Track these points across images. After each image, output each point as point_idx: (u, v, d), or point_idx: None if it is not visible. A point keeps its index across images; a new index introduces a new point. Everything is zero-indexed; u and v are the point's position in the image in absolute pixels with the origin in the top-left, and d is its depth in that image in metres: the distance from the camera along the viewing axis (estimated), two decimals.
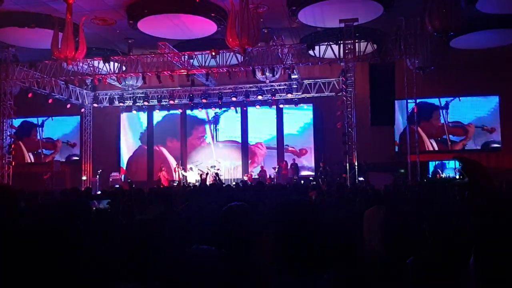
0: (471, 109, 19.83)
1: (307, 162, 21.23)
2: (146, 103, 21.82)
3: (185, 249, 3.20)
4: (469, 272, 1.47)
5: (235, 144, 22.35)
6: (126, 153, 23.09)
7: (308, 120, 21.50)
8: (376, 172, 15.43)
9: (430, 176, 15.24)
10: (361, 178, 15.58)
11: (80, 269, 1.37)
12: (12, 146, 18.81)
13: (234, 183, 18.11)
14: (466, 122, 19.79)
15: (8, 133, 18.69)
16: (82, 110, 22.26)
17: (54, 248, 1.31)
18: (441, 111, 19.99)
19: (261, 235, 2.62)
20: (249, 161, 21.96)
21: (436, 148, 19.79)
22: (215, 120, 22.73)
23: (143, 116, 23.03)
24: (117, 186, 15.53)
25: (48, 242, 1.31)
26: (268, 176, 20.14)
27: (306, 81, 20.52)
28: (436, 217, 3.17)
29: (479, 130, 19.73)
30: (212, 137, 22.67)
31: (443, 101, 19.84)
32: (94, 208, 4.38)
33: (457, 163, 1.73)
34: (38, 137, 23.50)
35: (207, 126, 22.75)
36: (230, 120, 22.48)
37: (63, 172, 21.30)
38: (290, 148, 21.58)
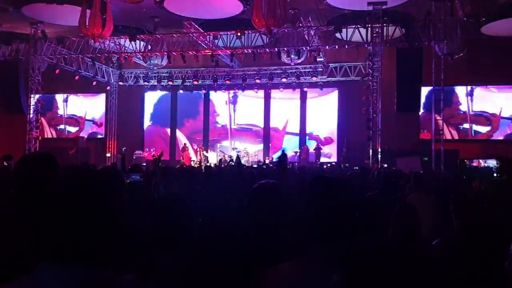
0: (500, 98, 19.47)
1: (331, 147, 21.14)
2: (170, 83, 21.95)
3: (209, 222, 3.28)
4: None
5: (255, 127, 22.41)
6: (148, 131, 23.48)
7: (332, 105, 21.35)
8: (403, 158, 15.23)
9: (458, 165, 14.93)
10: (385, 165, 15.47)
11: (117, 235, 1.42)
12: (39, 121, 19.19)
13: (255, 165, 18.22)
14: (491, 112, 19.48)
15: (35, 109, 19.05)
16: (108, 88, 22.53)
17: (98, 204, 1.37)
18: (466, 98, 19.71)
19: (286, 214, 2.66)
20: (270, 146, 22.02)
21: (456, 137, 19.56)
22: (234, 101, 22.81)
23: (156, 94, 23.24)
24: (144, 164, 15.78)
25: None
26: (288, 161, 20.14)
27: (332, 64, 20.32)
28: (464, 201, 3.16)
29: (507, 121, 19.39)
30: (230, 119, 22.81)
31: (468, 88, 19.56)
32: (128, 181, 4.51)
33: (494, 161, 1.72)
34: (61, 113, 23.98)
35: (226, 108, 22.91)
36: (251, 102, 22.50)
37: (87, 149, 21.68)
38: (314, 135, 21.53)
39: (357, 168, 14.51)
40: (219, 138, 22.65)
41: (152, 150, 20.93)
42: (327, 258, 1.63)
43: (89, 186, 1.40)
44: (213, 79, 21.36)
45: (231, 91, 22.36)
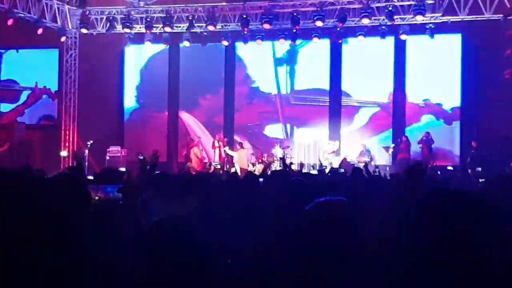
0: None
1: (448, 139, 20.95)
2: (168, 30, 22.06)
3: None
4: None
5: (318, 100, 22.45)
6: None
7: (451, 62, 21.11)
8: None
9: None
10: None
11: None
12: None
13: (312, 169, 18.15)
14: None
15: None
16: (63, 39, 22.80)
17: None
18: None
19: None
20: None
21: None
22: (289, 59, 22.85)
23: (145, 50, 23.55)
24: (123, 169, 16.01)
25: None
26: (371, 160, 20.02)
27: None
28: None
29: None
30: (278, 88, 22.93)
31: None
32: (96, 198, 4.59)
33: None
34: None
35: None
36: (310, 60, 22.50)
37: (30, 142, 22.05)
38: (427, 104, 21.34)
39: (483, 180, 14.29)
40: (260, 122, 22.71)
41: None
42: None
43: (31, 204, 1.40)
44: (242, 22, 21.35)
45: (277, 42, 22.30)
